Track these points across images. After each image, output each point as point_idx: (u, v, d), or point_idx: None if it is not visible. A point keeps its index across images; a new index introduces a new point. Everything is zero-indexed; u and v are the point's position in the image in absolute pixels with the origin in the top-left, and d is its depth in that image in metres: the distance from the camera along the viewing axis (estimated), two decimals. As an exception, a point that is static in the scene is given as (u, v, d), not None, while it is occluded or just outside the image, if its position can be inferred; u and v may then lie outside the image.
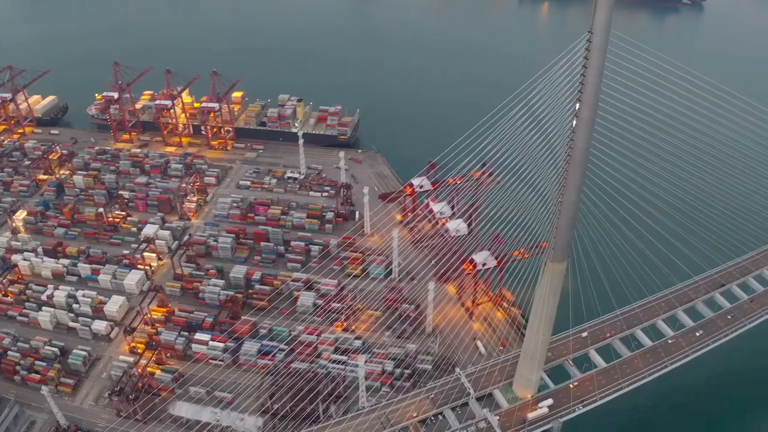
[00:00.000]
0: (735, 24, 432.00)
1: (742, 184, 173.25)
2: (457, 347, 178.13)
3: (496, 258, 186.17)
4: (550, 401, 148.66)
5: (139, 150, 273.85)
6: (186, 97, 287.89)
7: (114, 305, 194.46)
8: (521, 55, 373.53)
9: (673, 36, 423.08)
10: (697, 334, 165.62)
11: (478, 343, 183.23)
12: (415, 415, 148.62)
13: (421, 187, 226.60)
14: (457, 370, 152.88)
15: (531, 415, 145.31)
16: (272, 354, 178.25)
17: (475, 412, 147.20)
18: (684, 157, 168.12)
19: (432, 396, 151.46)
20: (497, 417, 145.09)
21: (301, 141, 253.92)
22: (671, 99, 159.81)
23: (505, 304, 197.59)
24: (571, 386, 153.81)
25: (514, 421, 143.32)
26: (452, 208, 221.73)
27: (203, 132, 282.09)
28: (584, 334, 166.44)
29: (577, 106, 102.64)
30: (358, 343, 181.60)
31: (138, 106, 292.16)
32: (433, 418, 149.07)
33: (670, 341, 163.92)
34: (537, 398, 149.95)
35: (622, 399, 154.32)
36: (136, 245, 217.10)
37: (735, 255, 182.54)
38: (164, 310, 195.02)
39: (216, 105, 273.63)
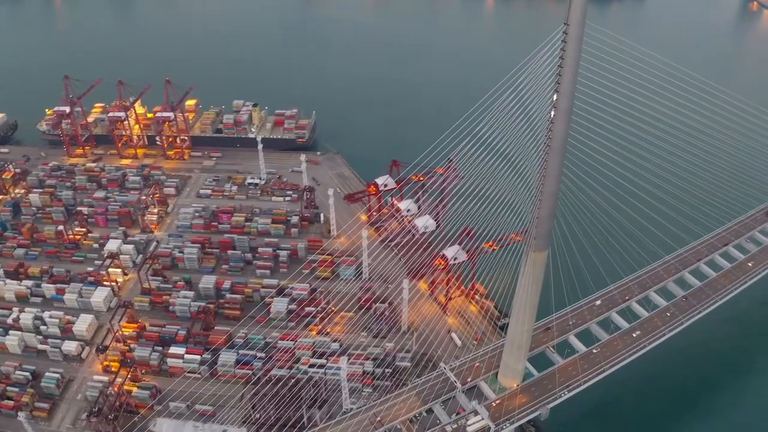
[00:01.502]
0: (676, 15, 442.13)
1: (708, 166, 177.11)
2: (434, 342, 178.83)
3: (467, 252, 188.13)
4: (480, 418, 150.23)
5: (94, 164, 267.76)
6: (138, 108, 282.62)
7: (83, 324, 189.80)
8: (472, 51, 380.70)
9: (617, 27, 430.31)
10: (668, 314, 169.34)
11: (453, 335, 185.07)
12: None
13: (385, 185, 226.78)
14: (442, 364, 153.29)
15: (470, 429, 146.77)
16: (250, 363, 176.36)
17: (464, 405, 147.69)
18: (651, 140, 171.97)
19: (421, 393, 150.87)
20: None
21: (260, 146, 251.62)
22: (641, 86, 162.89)
23: (477, 297, 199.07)
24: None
25: (504, 411, 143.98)
26: (417, 203, 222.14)
27: (158, 142, 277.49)
28: (598, 302, 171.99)
29: (555, 97, 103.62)
30: (335, 345, 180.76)
31: (90, 119, 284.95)
32: (418, 415, 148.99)
33: (645, 322, 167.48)
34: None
35: (601, 382, 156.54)
36: (100, 261, 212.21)
37: (703, 233, 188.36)
38: (135, 326, 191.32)
39: (171, 114, 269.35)
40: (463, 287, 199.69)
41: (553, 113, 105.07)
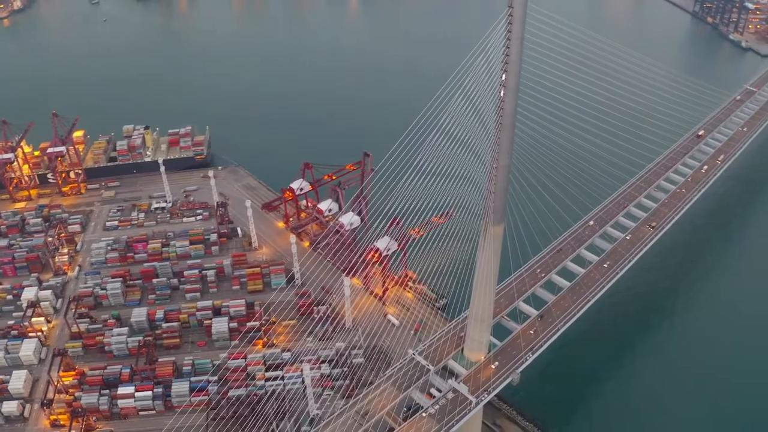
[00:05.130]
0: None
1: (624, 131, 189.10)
2: (380, 333, 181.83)
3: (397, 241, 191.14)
4: None
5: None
6: (24, 147, 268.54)
7: (18, 381, 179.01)
8: (348, 49, 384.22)
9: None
10: (605, 266, 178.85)
11: (390, 317, 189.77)
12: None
13: (301, 189, 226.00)
14: (410, 350, 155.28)
15: None
16: (205, 389, 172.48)
17: (440, 386, 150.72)
18: (580, 106, 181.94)
19: (395, 383, 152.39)
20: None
21: (162, 168, 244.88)
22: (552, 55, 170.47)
23: (411, 284, 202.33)
24: None
25: (481, 383, 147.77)
26: (338, 201, 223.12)
27: (51, 180, 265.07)
28: (591, 222, 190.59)
29: (504, 77, 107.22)
30: (287, 355, 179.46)
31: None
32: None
33: (584, 277, 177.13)
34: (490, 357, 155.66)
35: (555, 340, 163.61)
36: (20, 312, 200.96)
37: (620, 184, 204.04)
38: (74, 373, 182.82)
39: (63, 149, 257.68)
40: (395, 276, 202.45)
41: (503, 92, 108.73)
